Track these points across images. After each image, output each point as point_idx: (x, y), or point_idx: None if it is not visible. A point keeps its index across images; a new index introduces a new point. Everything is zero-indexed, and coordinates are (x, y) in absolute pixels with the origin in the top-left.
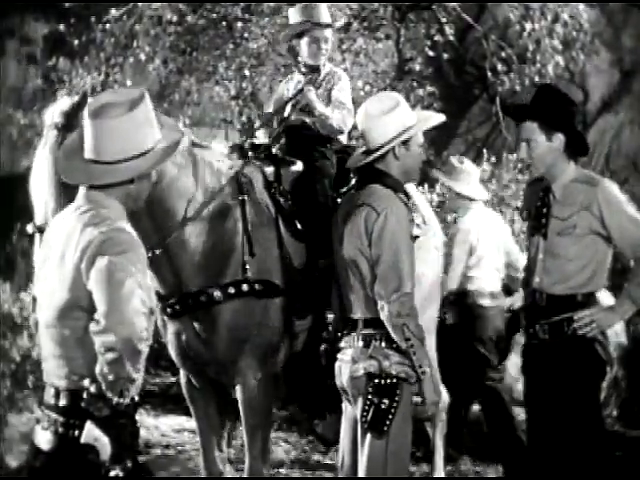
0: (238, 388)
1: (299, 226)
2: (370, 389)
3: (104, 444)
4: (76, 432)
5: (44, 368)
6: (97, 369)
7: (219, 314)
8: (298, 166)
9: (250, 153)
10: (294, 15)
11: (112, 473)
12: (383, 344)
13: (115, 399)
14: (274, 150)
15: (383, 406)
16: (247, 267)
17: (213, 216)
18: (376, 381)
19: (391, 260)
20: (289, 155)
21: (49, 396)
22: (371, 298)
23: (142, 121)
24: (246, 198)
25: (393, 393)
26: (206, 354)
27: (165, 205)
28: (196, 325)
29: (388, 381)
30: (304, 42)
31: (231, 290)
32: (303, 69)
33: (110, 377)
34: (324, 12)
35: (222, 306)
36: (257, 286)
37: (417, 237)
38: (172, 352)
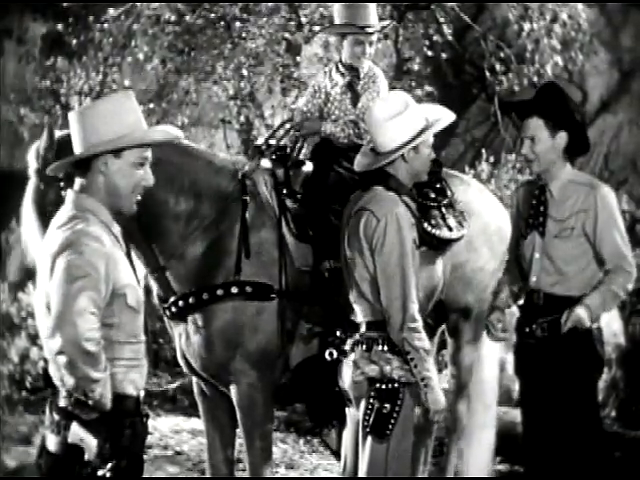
0: (232, 393)
1: (306, 227)
2: (372, 394)
3: (89, 444)
4: (67, 433)
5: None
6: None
7: (210, 316)
8: (308, 167)
9: (266, 154)
10: (339, 14)
11: (99, 473)
12: (385, 348)
13: (84, 400)
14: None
15: (385, 411)
16: (240, 269)
17: (213, 220)
18: (377, 386)
19: (394, 274)
20: (318, 159)
21: (54, 398)
22: (372, 301)
23: (106, 113)
24: (248, 199)
25: (395, 398)
26: (201, 357)
27: (163, 224)
28: (191, 327)
29: (390, 386)
30: (347, 42)
31: (219, 292)
32: (342, 69)
33: (69, 380)
34: (372, 14)
35: (213, 308)
36: (248, 288)
37: (452, 240)
38: (177, 354)
